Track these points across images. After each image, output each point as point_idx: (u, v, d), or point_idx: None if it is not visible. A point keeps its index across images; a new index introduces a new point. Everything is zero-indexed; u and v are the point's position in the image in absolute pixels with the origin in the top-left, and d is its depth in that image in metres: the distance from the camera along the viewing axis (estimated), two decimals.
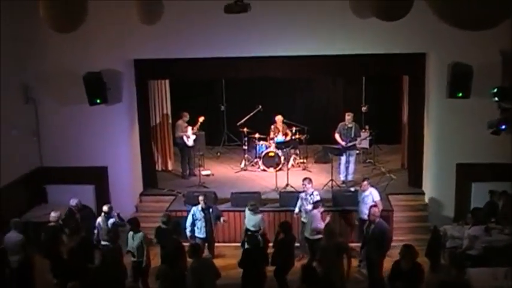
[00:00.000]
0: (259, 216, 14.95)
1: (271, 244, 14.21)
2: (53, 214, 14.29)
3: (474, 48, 15.24)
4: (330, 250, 12.41)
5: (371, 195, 15.18)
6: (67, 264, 12.23)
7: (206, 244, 15.03)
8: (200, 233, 14.96)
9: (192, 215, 14.98)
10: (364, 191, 15.36)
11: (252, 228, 14.74)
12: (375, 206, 14.20)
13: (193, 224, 15.01)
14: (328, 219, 14.38)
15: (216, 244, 15.66)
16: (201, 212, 14.90)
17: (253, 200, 15.42)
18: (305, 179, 15.66)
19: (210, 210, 15.06)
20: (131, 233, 13.61)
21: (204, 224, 14.88)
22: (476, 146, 16.23)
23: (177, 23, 15.83)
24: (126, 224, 14.49)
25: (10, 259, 13.27)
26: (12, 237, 13.54)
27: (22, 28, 16.61)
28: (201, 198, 15.08)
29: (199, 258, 11.93)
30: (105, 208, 14.56)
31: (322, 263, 12.29)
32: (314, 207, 14.69)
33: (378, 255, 13.10)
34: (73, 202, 15.21)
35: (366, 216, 14.26)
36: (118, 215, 14.75)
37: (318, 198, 15.23)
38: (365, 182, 15.45)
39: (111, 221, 14.28)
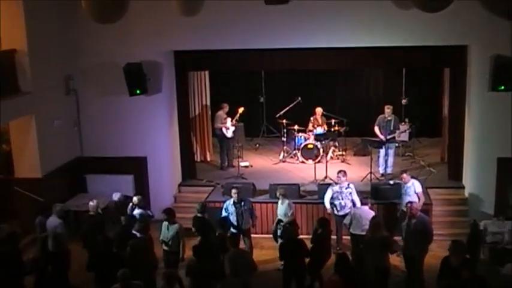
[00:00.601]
0: (286, 202, 14.74)
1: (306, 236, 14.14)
2: (91, 204, 14.43)
3: None
4: (374, 243, 12.32)
5: (413, 186, 15.05)
6: (102, 253, 12.28)
7: (241, 236, 14.81)
8: (232, 226, 14.68)
9: (225, 209, 14.73)
10: (406, 182, 15.23)
11: (281, 217, 14.63)
12: (412, 202, 14.06)
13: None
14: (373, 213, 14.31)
15: (254, 235, 15.42)
16: (233, 206, 14.63)
17: (282, 189, 15.20)
18: (340, 171, 15.48)
19: (242, 203, 14.75)
20: (166, 223, 13.55)
21: (235, 218, 14.59)
22: None
23: (217, 14, 15.88)
24: (152, 217, 14.52)
25: (49, 243, 13.47)
26: (52, 222, 13.77)
27: (64, 20, 16.82)
28: (234, 191, 14.80)
29: (236, 248, 11.95)
30: (135, 199, 14.54)
31: (365, 256, 12.21)
32: (363, 203, 14.53)
33: (419, 250, 12.95)
34: (115, 197, 15.32)
35: None
36: (145, 208, 14.65)
37: (354, 191, 15.15)
38: (404, 175, 15.32)
39: (137, 211, 14.24)
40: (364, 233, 13.65)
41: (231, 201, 14.69)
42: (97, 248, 12.60)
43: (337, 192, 15.24)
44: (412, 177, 15.44)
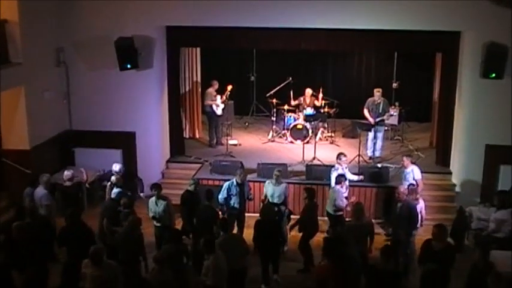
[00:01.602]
0: (283, 184, 14.63)
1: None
2: (66, 173, 14.47)
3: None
4: (357, 229, 12.34)
5: (412, 173, 15.07)
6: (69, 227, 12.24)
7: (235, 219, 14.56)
8: (233, 208, 14.34)
9: (227, 189, 14.29)
10: (406, 167, 15.27)
11: (276, 200, 14.37)
12: (413, 185, 14.16)
13: (226, 199, 14.32)
14: (353, 198, 14.38)
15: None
16: (237, 187, 14.29)
17: (279, 170, 14.84)
18: (340, 153, 15.50)
19: (244, 185, 14.56)
20: (153, 198, 13.53)
21: (238, 199, 14.28)
22: (506, 128, 16.05)
23: None
24: (131, 196, 14.04)
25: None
26: (39, 193, 13.79)
27: None
28: (238, 172, 14.56)
29: (228, 233, 11.93)
30: (113, 178, 14.30)
31: (347, 241, 12.23)
32: (337, 183, 14.40)
33: (406, 234, 13.02)
34: (116, 167, 15.14)
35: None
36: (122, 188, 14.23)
37: (342, 172, 15.11)
38: (405, 158, 15.41)
39: (115, 190, 13.85)
40: (334, 214, 14.02)
41: (234, 181, 14.36)
42: (66, 221, 12.40)
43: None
44: (412, 163, 15.46)
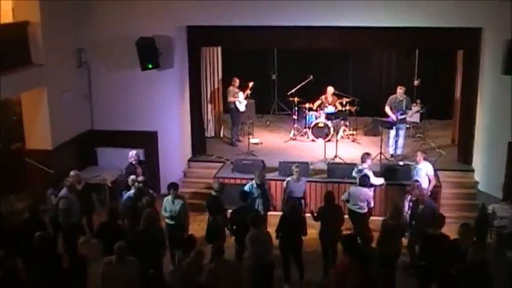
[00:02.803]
0: (303, 180, 14.80)
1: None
2: (71, 173, 14.55)
3: None
4: (394, 229, 12.31)
5: (425, 169, 15.05)
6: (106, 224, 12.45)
7: None
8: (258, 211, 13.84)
9: (249, 193, 14.01)
10: (418, 163, 15.23)
11: (298, 196, 14.43)
12: (418, 181, 14.16)
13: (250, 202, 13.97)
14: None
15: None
16: (258, 189, 14.19)
17: (296, 167, 14.80)
18: (366, 153, 15.46)
19: (265, 186, 14.53)
20: (169, 197, 13.55)
21: (262, 200, 14.18)
22: None
23: None
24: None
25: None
26: (60, 195, 13.82)
27: None
28: (257, 173, 14.48)
29: (257, 228, 11.90)
30: (130, 180, 14.39)
31: (381, 240, 12.22)
32: (363, 184, 14.18)
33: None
34: (132, 156, 15.49)
35: None
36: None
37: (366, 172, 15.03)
38: (419, 154, 15.38)
39: (127, 194, 14.06)
40: (358, 211, 13.94)
41: (254, 184, 14.29)
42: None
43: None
44: (425, 159, 15.40)
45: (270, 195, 14.91)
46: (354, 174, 15.26)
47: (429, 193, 14.54)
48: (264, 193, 14.38)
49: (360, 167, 15.17)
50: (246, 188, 14.29)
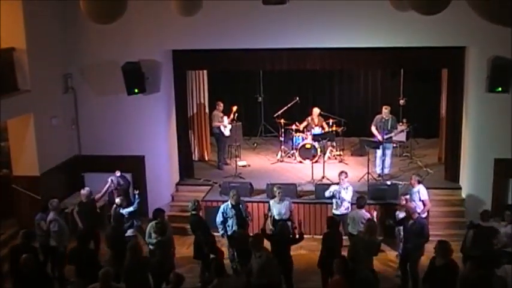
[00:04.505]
0: (287, 202, 14.73)
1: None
2: (82, 192, 14.81)
3: None
4: (366, 245, 12.33)
5: (418, 193, 14.92)
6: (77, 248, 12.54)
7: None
8: (231, 231, 14.10)
9: (223, 213, 14.12)
10: (413, 186, 15.15)
11: (284, 217, 14.45)
12: (407, 199, 14.27)
13: (224, 222, 14.14)
14: (374, 213, 14.24)
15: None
16: (232, 209, 14.11)
17: (277, 188, 14.82)
18: (342, 172, 15.53)
19: (240, 206, 14.39)
20: (153, 223, 13.41)
21: (235, 221, 14.06)
22: None
23: (215, 14, 15.92)
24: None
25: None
26: (49, 218, 13.86)
27: (63, 19, 16.90)
28: (231, 194, 14.36)
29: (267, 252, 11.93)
30: (117, 200, 14.37)
31: (355, 255, 12.24)
32: (360, 206, 14.23)
33: (416, 251, 13.02)
34: (115, 180, 15.68)
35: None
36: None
37: (350, 193, 15.19)
38: (413, 177, 15.24)
39: (125, 210, 14.24)
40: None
41: (229, 204, 14.22)
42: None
43: (337, 191, 15.25)
44: (419, 182, 15.29)
45: (248, 214, 14.79)
46: (326, 194, 15.50)
47: (425, 215, 14.59)
48: (239, 213, 14.25)
49: (336, 188, 15.34)
50: (221, 207, 14.26)
